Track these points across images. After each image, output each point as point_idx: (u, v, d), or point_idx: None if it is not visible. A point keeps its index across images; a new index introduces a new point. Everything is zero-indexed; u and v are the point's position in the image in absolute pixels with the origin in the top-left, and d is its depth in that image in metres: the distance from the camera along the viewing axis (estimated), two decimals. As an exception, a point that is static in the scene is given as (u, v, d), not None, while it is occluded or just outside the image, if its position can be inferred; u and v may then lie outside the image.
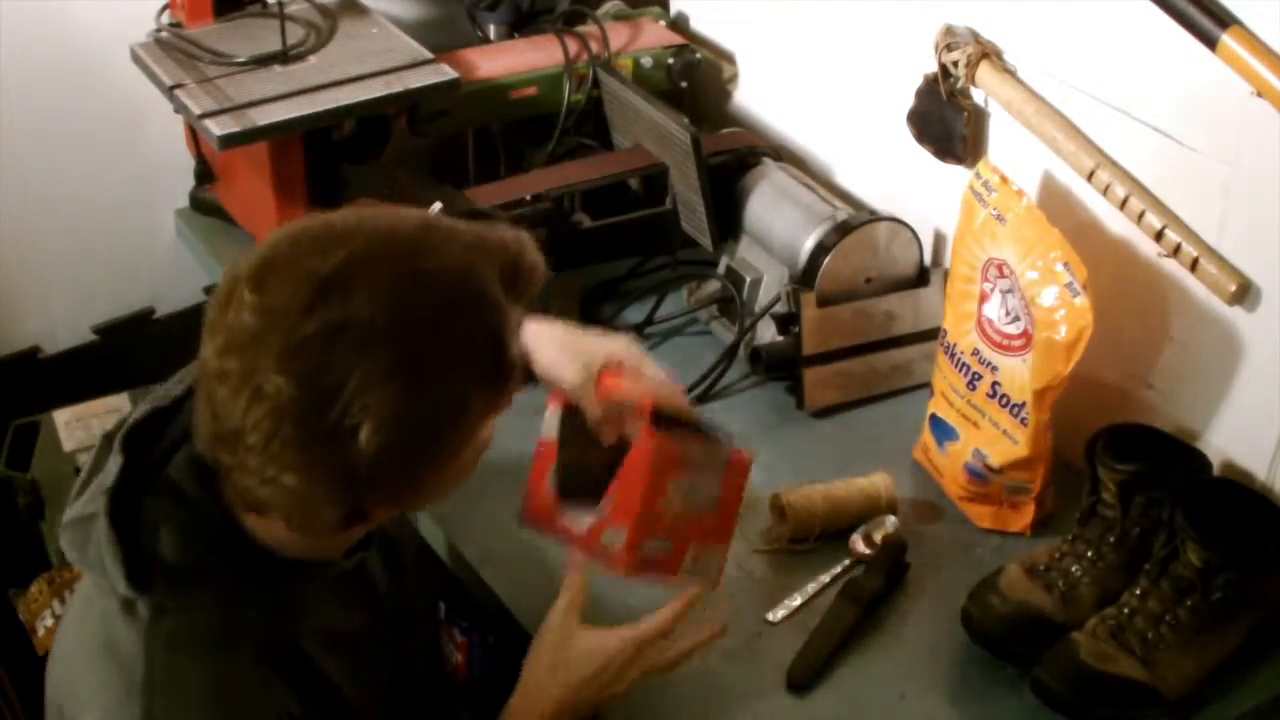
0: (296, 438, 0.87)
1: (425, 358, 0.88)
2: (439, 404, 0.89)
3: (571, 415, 1.18)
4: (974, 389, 1.45)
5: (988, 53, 1.54)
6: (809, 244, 1.63)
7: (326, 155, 1.79)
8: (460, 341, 0.90)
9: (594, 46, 1.93)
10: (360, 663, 1.08)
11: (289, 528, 0.96)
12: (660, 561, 1.15)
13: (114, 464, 0.99)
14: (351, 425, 0.86)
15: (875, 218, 1.64)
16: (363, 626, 1.09)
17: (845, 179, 1.89)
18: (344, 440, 0.87)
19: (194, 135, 1.84)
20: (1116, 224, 1.46)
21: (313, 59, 1.76)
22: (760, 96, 2.02)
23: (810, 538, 1.41)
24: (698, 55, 1.99)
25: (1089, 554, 1.33)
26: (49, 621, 1.68)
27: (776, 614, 1.35)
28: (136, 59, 1.79)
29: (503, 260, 0.94)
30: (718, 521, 1.20)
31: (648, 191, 1.80)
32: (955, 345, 1.48)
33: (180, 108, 1.68)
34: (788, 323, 1.59)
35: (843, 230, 1.61)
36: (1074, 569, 1.33)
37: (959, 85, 1.58)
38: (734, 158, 1.80)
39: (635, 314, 1.78)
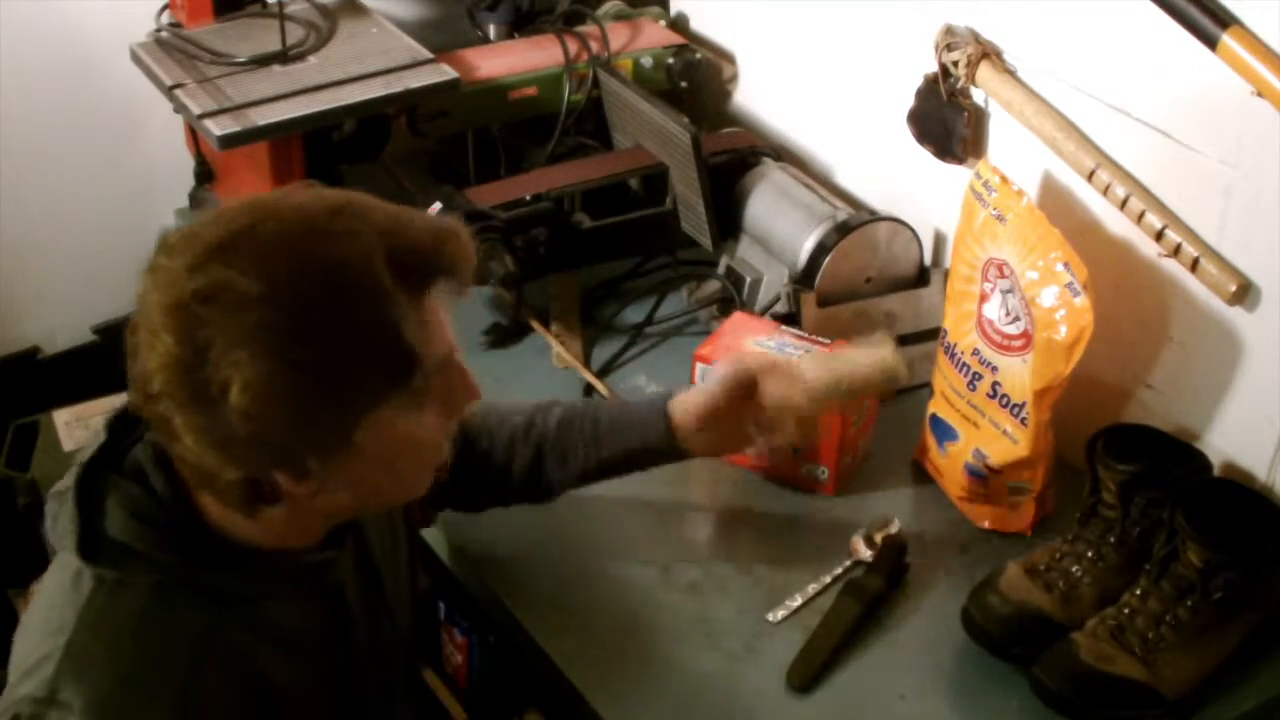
0: (180, 394, 0.91)
1: (293, 325, 0.89)
2: (309, 374, 0.90)
3: None
4: (974, 389, 1.45)
5: (988, 53, 1.54)
6: (809, 244, 1.63)
7: (326, 155, 1.79)
8: (336, 317, 0.90)
9: (594, 46, 1.93)
10: (310, 667, 1.07)
11: (210, 493, 0.98)
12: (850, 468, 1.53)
13: (96, 441, 1.03)
14: (222, 383, 0.89)
15: (875, 218, 1.64)
16: (318, 629, 1.08)
17: (845, 179, 1.89)
18: (217, 398, 0.89)
19: (194, 135, 1.84)
20: (1116, 224, 1.46)
21: (313, 59, 1.77)
22: (760, 96, 2.02)
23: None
24: (698, 55, 1.99)
25: (1089, 554, 1.33)
26: (49, 621, 1.68)
27: (776, 614, 1.35)
28: (136, 59, 1.79)
29: (412, 248, 0.94)
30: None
31: (648, 191, 1.81)
32: (955, 345, 1.48)
33: (180, 108, 1.68)
34: (788, 323, 1.59)
35: (843, 230, 1.61)
36: (1074, 569, 1.33)
37: (959, 85, 1.58)
38: (734, 158, 1.80)
39: (635, 314, 1.78)
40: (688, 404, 1.30)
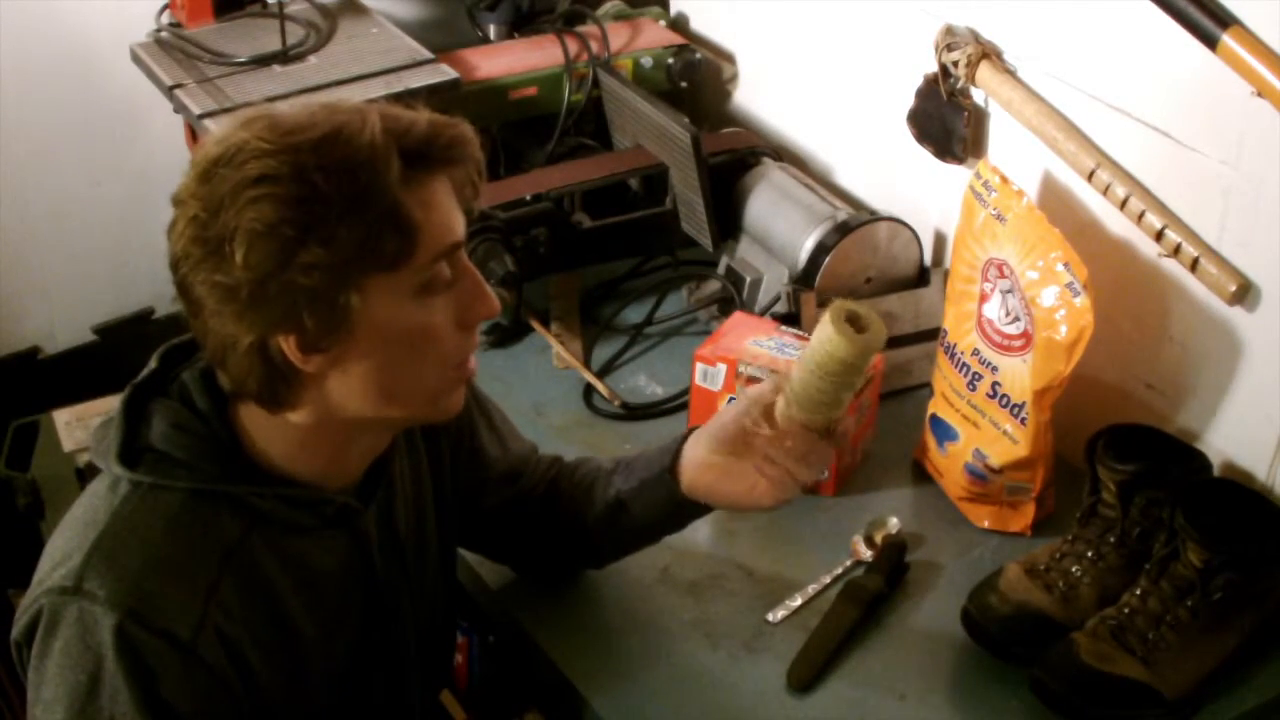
0: (197, 253, 0.95)
1: (290, 174, 0.93)
2: (300, 224, 0.93)
3: None
4: (974, 389, 1.45)
5: (988, 53, 1.54)
6: (809, 244, 1.63)
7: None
8: (332, 172, 0.93)
9: (594, 46, 1.93)
10: (327, 607, 1.09)
11: (222, 373, 1.02)
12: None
13: (147, 369, 1.07)
14: (230, 233, 0.93)
15: (875, 218, 1.64)
16: (336, 571, 1.10)
17: (845, 179, 1.89)
18: (226, 252, 0.93)
19: (194, 135, 1.84)
20: (1116, 224, 1.46)
21: (313, 59, 1.77)
22: (760, 96, 2.02)
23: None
24: (698, 55, 1.99)
25: (1089, 554, 1.33)
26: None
27: (776, 614, 1.35)
28: (136, 59, 1.79)
29: (410, 129, 0.97)
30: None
31: (648, 191, 1.81)
32: (955, 345, 1.48)
33: (180, 108, 1.68)
34: (788, 323, 1.59)
35: (843, 230, 1.62)
36: (1074, 569, 1.33)
37: (959, 85, 1.59)
38: (734, 158, 1.80)
39: (635, 314, 1.78)
40: (700, 429, 1.23)
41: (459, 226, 1.01)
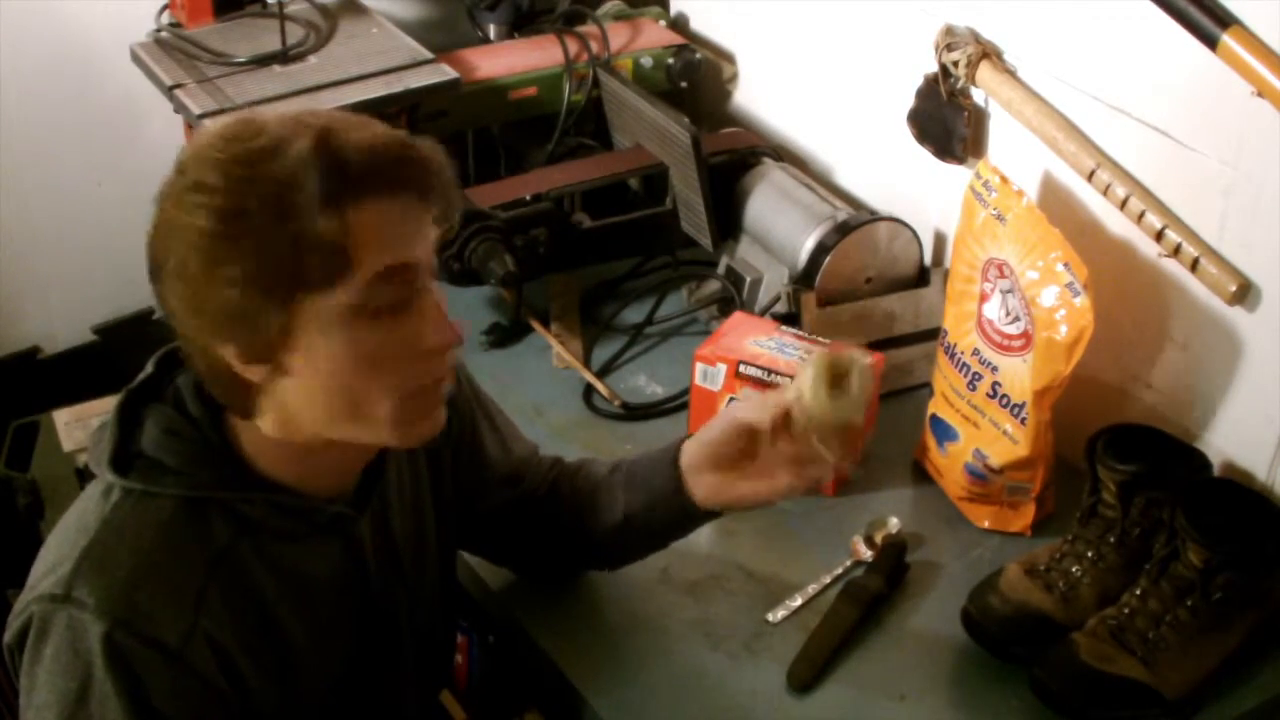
0: (154, 267, 0.98)
1: (223, 187, 0.93)
2: (222, 238, 0.93)
3: None
4: (974, 389, 1.45)
5: (988, 53, 1.54)
6: (809, 244, 1.63)
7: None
8: (247, 190, 0.93)
9: (594, 46, 1.93)
10: (319, 615, 1.09)
11: (206, 381, 1.02)
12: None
13: (142, 374, 1.08)
14: (173, 242, 0.95)
15: (875, 218, 1.64)
16: (329, 578, 1.10)
17: (845, 179, 1.89)
18: (172, 261, 0.95)
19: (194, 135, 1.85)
20: (1116, 224, 1.46)
21: (313, 59, 1.77)
22: (760, 96, 2.02)
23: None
24: (698, 55, 1.99)
25: (1089, 554, 1.33)
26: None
27: (776, 614, 1.35)
28: (136, 59, 1.79)
29: (339, 155, 0.95)
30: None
31: (648, 191, 1.81)
32: (955, 345, 1.48)
33: (180, 108, 1.68)
34: (788, 323, 1.59)
35: (843, 230, 1.61)
36: (1074, 569, 1.33)
37: (959, 85, 1.59)
38: (734, 158, 1.80)
39: (635, 314, 1.78)
40: (692, 443, 1.23)
41: (408, 249, 0.97)
